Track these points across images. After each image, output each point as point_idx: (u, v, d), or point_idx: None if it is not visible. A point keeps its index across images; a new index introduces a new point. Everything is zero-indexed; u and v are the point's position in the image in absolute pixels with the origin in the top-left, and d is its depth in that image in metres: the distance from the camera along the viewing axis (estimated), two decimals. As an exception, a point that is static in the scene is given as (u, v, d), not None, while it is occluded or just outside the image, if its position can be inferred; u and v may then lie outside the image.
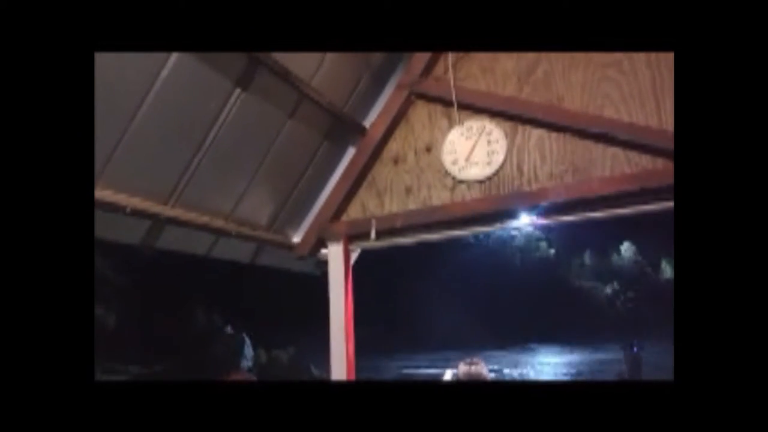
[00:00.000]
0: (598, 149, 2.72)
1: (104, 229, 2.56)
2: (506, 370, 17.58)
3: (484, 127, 2.99)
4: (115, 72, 2.17)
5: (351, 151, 3.50)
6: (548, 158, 2.83)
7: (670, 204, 2.53)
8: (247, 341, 17.98)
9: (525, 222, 3.00)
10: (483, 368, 2.65)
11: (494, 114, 2.99)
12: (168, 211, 2.64)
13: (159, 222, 2.67)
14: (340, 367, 3.06)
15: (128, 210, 2.39)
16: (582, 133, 2.75)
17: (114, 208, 2.37)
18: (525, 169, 2.88)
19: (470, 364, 2.65)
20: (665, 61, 2.61)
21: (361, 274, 3.37)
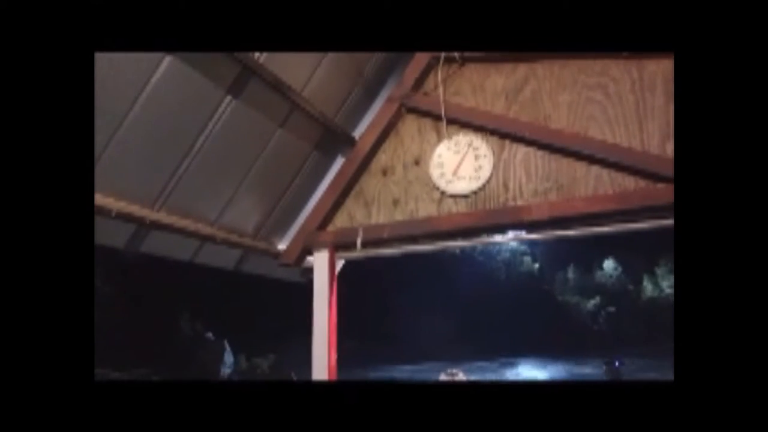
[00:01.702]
0: (582, 168, 2.78)
1: (88, 231, 2.54)
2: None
3: (472, 142, 3.04)
4: (106, 75, 2.17)
5: (340, 161, 3.52)
6: (533, 175, 2.88)
7: (652, 223, 2.60)
8: (228, 348, 17.77)
9: (509, 237, 3.04)
10: (464, 379, 2.67)
11: (482, 130, 3.04)
12: (154, 216, 2.62)
13: (144, 226, 2.65)
14: (321, 376, 3.04)
15: (114, 213, 2.37)
16: (567, 153, 2.81)
17: (99, 210, 2.35)
18: (510, 185, 2.92)
19: (452, 375, 2.68)
20: (648, 86, 2.70)
21: (343, 284, 3.36)
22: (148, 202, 2.61)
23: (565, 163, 2.82)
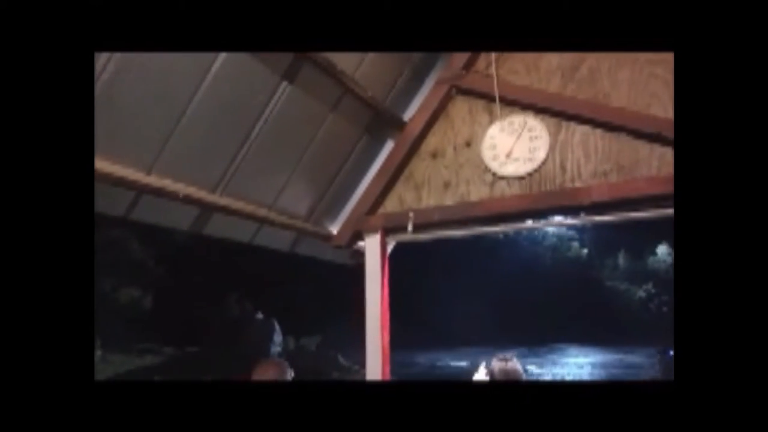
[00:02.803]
0: (644, 148, 2.66)
1: (155, 215, 2.69)
2: (534, 369, 17.40)
3: (526, 122, 2.97)
4: (168, 65, 2.26)
5: (390, 145, 3.53)
6: (592, 156, 2.79)
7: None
8: (277, 328, 18.37)
9: (565, 221, 2.97)
10: (517, 364, 2.64)
11: (537, 110, 2.97)
12: (217, 200, 2.74)
13: (207, 209, 2.77)
14: (375, 359, 3.11)
15: (181, 196, 2.50)
16: (628, 131, 2.70)
17: (167, 194, 2.48)
18: (568, 166, 2.84)
19: (504, 360, 2.65)
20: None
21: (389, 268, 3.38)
22: (211, 186, 2.72)
23: (627, 142, 2.71)
